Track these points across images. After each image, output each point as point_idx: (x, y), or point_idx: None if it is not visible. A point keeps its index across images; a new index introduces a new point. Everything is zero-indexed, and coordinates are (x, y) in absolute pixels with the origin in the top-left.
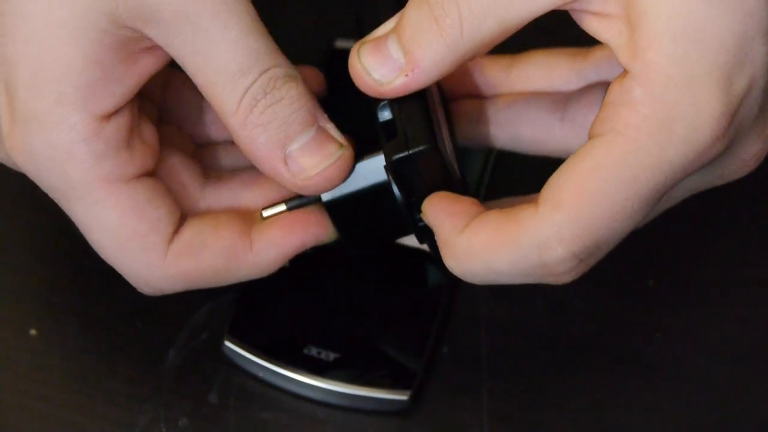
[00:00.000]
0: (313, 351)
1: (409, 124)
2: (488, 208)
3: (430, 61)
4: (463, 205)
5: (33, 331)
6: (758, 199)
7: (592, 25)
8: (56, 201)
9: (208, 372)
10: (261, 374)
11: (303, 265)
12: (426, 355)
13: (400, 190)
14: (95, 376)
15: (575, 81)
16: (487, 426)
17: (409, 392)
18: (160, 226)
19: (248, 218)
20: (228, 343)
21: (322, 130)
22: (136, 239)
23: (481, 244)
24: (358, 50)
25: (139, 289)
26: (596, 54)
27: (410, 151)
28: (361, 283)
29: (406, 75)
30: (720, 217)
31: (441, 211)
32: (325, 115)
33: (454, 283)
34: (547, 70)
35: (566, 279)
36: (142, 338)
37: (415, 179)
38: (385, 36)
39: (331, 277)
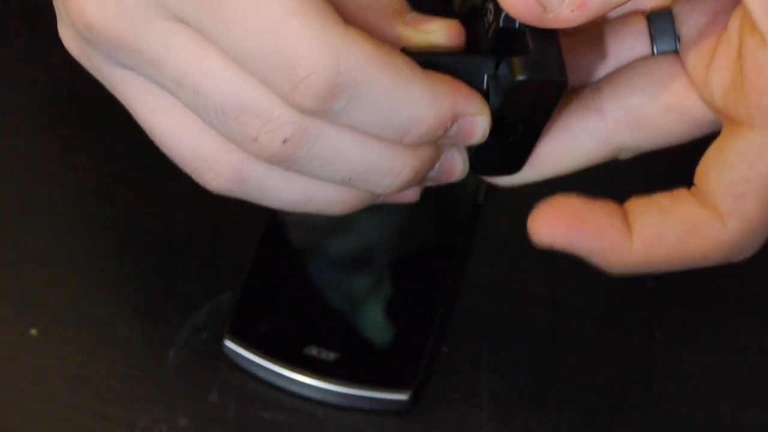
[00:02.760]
0: (313, 351)
1: (545, 49)
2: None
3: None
4: (604, 223)
5: (33, 331)
6: None
7: None
8: None
9: (208, 372)
10: (261, 374)
11: (303, 265)
12: (426, 355)
13: (500, 108)
14: (95, 376)
15: (604, 61)
16: (487, 426)
17: (409, 392)
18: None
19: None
20: (228, 343)
21: None
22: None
23: (660, 256)
24: None
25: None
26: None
27: (546, 77)
28: (361, 282)
29: (572, 10)
30: None
31: (593, 237)
32: None
33: (454, 282)
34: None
35: None
36: (142, 338)
37: (525, 107)
38: None
39: (332, 276)
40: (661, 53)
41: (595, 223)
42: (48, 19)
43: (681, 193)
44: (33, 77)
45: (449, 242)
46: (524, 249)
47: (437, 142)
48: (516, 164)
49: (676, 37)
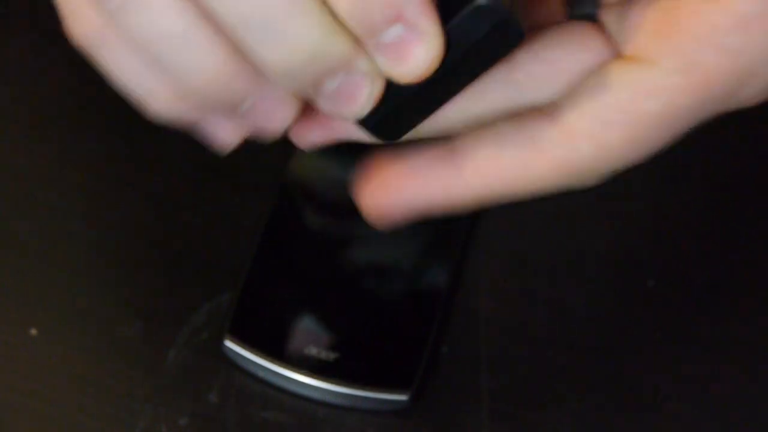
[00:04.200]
0: (313, 351)
1: None
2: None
3: None
4: (426, 168)
5: (33, 331)
6: (758, 199)
7: None
8: None
9: (208, 372)
10: (261, 374)
11: (303, 265)
12: (426, 355)
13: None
14: (95, 376)
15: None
16: (487, 426)
17: (409, 392)
18: None
19: None
20: (228, 343)
21: None
22: None
23: (500, 182)
24: None
25: None
26: None
27: (510, 16)
28: (361, 282)
29: None
30: (720, 217)
31: (421, 189)
32: None
33: (454, 282)
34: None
35: None
36: (142, 338)
37: (467, 49)
38: None
39: (331, 276)
40: (578, 17)
41: (417, 174)
42: (49, 19)
43: (527, 115)
44: (33, 77)
45: (449, 242)
46: (524, 249)
47: (358, 46)
48: (407, 125)
49: (596, 6)
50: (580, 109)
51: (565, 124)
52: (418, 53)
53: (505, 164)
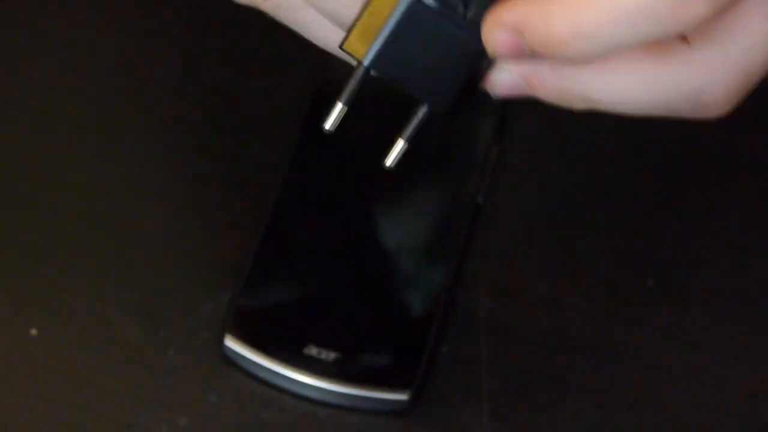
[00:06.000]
0: (313, 351)
1: None
2: None
3: None
4: None
5: (33, 331)
6: (758, 199)
7: None
8: None
9: (208, 372)
10: (261, 374)
11: (303, 265)
12: (426, 355)
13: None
14: (95, 376)
15: None
16: (487, 426)
17: (409, 392)
18: None
19: None
20: (228, 343)
21: None
22: None
23: None
24: None
25: None
26: None
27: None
28: (361, 282)
29: None
30: (720, 217)
31: None
32: None
33: (453, 283)
34: None
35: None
36: (142, 338)
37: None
38: None
39: (332, 276)
40: None
41: None
42: (48, 18)
43: None
44: (34, 77)
45: (449, 242)
46: (524, 249)
47: None
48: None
49: None
50: None
51: None
52: None
53: None
